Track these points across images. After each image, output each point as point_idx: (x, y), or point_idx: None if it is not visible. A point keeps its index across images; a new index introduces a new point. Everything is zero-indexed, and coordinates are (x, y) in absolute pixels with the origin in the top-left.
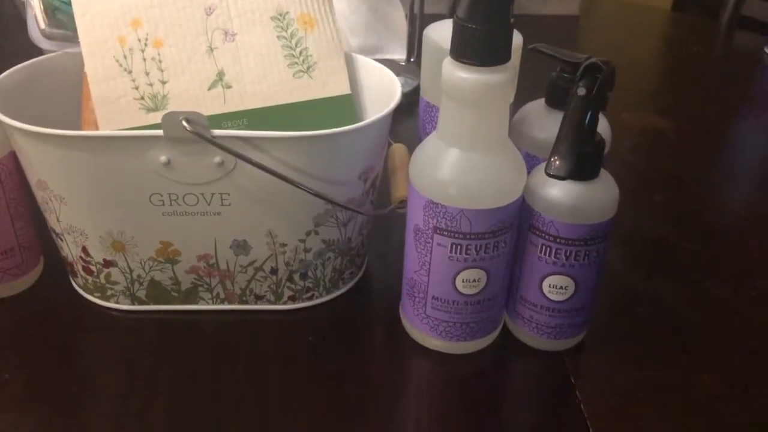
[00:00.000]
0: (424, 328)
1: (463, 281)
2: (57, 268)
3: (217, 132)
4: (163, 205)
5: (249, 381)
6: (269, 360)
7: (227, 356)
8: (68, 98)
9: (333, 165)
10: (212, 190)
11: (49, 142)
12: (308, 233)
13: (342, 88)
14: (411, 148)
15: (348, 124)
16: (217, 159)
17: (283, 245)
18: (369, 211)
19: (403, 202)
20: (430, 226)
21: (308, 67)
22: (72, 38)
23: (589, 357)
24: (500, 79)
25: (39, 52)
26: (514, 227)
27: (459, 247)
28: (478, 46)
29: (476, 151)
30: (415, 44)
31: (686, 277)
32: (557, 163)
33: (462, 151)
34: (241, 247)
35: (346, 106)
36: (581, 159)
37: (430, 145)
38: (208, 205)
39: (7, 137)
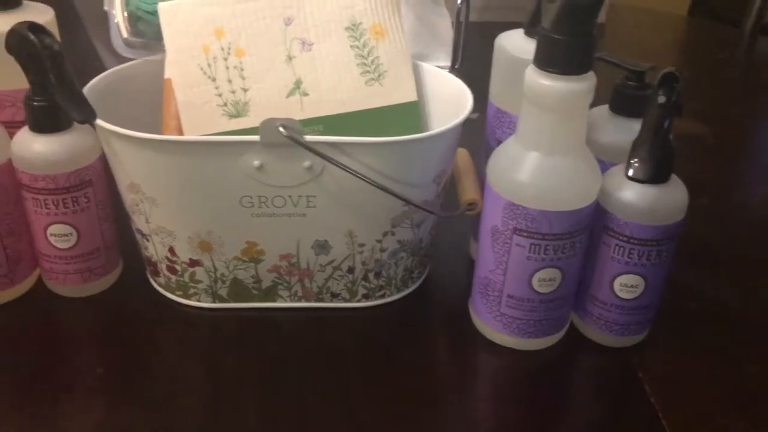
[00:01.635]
0: (497, 326)
1: (539, 280)
2: (135, 268)
3: (309, 137)
4: (252, 207)
5: (330, 374)
6: (347, 355)
7: (307, 352)
8: (147, 104)
9: (413, 168)
10: (299, 193)
11: (147, 146)
12: (385, 234)
13: (409, 95)
14: (471, 153)
15: (414, 130)
16: (306, 163)
17: (362, 245)
18: (442, 213)
19: (471, 205)
20: (509, 228)
21: (379, 75)
22: (151, 47)
23: (653, 352)
24: (582, 87)
25: (96, 60)
26: (588, 228)
27: (537, 247)
28: (562, 56)
29: (557, 155)
30: (459, 52)
31: (734, 276)
32: (637, 166)
33: (543, 155)
34: (322, 246)
35: (413, 112)
36: (658, 163)
37: (509, 149)
38: (295, 206)
39: (98, 142)
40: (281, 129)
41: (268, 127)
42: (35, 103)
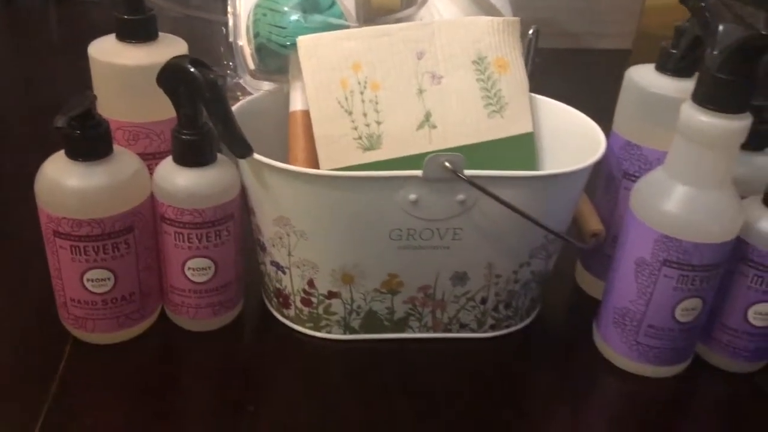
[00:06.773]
0: (632, 354)
1: (682, 310)
2: (252, 301)
3: (468, 172)
4: (400, 239)
5: (470, 403)
6: (482, 384)
7: (445, 380)
8: (269, 137)
9: (559, 200)
10: (447, 226)
11: (306, 181)
12: (521, 265)
13: (527, 126)
14: None
15: (529, 161)
16: (460, 197)
17: (498, 276)
18: (580, 244)
19: (596, 235)
20: (659, 260)
21: (500, 108)
22: (275, 79)
23: None
24: (740, 125)
25: None
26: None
27: (686, 278)
28: (724, 95)
29: (709, 189)
30: None
31: None
32: None
33: (697, 189)
34: (460, 278)
35: (528, 143)
36: None
37: (660, 182)
38: (441, 239)
39: (239, 175)
40: (447, 164)
41: (432, 163)
42: (185, 137)
